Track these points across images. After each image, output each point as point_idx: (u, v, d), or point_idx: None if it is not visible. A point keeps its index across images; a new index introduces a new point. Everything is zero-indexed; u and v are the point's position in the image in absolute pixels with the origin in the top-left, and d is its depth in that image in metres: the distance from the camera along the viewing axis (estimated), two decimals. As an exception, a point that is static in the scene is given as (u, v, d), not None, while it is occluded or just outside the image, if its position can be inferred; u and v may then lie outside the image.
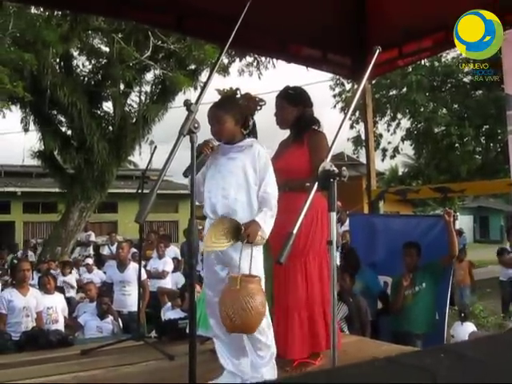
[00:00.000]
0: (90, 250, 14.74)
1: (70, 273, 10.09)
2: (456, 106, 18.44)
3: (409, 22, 5.33)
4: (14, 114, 14.01)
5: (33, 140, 14.96)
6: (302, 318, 3.61)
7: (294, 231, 2.10)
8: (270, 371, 3.19)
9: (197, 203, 2.52)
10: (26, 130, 14.61)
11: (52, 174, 16.03)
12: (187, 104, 2.27)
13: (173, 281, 9.16)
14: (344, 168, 2.16)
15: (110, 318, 6.85)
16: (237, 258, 3.04)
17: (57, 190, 16.52)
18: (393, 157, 19.73)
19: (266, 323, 3.17)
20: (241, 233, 3.00)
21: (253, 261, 3.01)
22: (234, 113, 3.23)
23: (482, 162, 18.21)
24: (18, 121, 14.51)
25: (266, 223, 3.06)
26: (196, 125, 2.25)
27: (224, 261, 3.16)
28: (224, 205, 3.13)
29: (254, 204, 3.13)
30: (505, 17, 4.46)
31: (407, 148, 20.26)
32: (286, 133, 3.99)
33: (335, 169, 2.17)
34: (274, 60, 13.88)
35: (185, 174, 2.92)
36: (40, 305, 6.17)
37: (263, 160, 3.18)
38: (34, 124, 14.53)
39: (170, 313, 7.01)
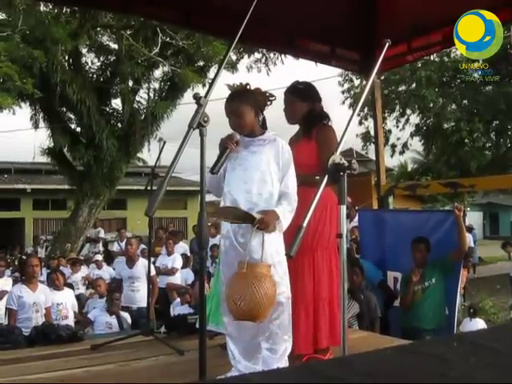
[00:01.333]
0: (100, 247, 14.80)
1: (80, 269, 10.13)
2: (466, 101, 18.35)
3: (418, 17, 5.30)
4: (24, 111, 14.12)
5: (42, 137, 15.08)
6: (308, 313, 3.60)
7: (304, 224, 2.09)
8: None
9: (206, 199, 2.51)
10: (35, 127, 14.71)
11: (61, 171, 16.13)
12: (196, 97, 2.27)
13: (182, 277, 9.18)
14: (354, 161, 2.15)
15: (120, 313, 6.88)
16: (264, 255, 2.99)
17: (66, 186, 16.62)
18: (402, 153, 19.69)
19: (288, 319, 3.16)
20: (249, 216, 2.95)
21: (271, 249, 3.01)
22: (253, 104, 3.18)
23: (492, 157, 18.12)
24: (28, 118, 14.62)
25: (285, 217, 3.01)
26: (206, 118, 2.25)
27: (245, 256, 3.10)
28: (246, 199, 3.06)
29: (276, 199, 3.08)
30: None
31: (416, 144, 20.23)
32: (295, 129, 3.98)
33: (345, 162, 2.16)
34: (283, 56, 13.89)
35: (212, 171, 2.91)
36: (49, 301, 6.22)
37: (286, 155, 3.14)
38: (43, 121, 14.64)
39: (179, 308, 7.05)
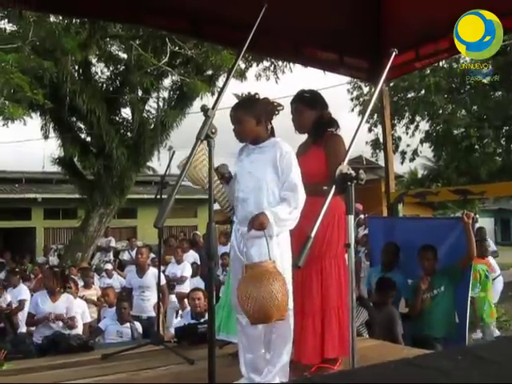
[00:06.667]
0: (111, 256, 14.81)
1: (92, 278, 10.14)
2: (475, 107, 18.27)
3: (425, 24, 5.30)
4: (35, 121, 14.18)
5: (53, 147, 15.19)
6: (316, 323, 3.59)
7: (312, 235, 2.09)
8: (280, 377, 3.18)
9: (214, 208, 2.53)
10: (46, 136, 14.77)
11: (72, 181, 16.18)
12: (204, 109, 2.28)
13: (192, 285, 9.17)
14: (361, 171, 2.15)
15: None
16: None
17: (77, 196, 16.65)
18: (412, 159, 19.61)
19: (289, 330, 3.16)
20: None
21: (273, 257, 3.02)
22: (256, 113, 3.19)
23: (503, 163, 18.00)
24: (39, 128, 14.69)
25: (279, 220, 3.00)
26: (213, 130, 2.26)
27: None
28: (243, 208, 3.13)
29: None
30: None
31: (426, 150, 20.14)
32: (303, 137, 3.98)
33: (352, 172, 2.16)
34: (291, 64, 13.90)
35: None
36: (72, 310, 6.24)
37: (286, 159, 3.13)
38: (53, 131, 14.69)
39: (189, 317, 7.02)
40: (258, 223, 2.95)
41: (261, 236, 3.00)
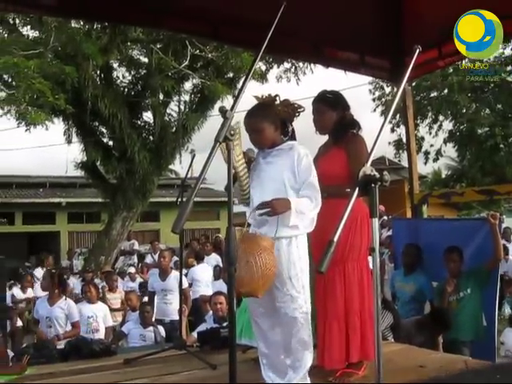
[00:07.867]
0: (134, 259, 14.86)
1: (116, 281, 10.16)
2: (499, 105, 18.04)
3: (448, 21, 5.20)
4: (57, 126, 14.32)
5: (76, 151, 15.29)
6: (340, 328, 3.52)
7: (335, 239, 2.03)
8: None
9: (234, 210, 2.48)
10: (68, 141, 14.93)
11: (95, 185, 16.33)
12: (222, 111, 2.24)
13: (215, 289, 9.13)
14: (385, 172, 2.08)
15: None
16: (280, 268, 3.01)
17: (100, 199, 16.79)
18: (436, 160, 19.45)
19: (307, 334, 3.11)
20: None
21: (288, 262, 3.02)
22: (272, 119, 3.15)
23: (529, 162, 17.76)
24: (61, 133, 14.84)
25: (300, 211, 2.99)
26: (232, 132, 2.22)
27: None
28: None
29: None
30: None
31: (450, 150, 19.96)
32: (324, 138, 3.92)
33: (376, 173, 2.09)
34: (312, 65, 13.85)
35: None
36: (75, 315, 6.28)
37: (304, 163, 3.10)
38: (76, 136, 14.84)
39: (212, 321, 6.99)
40: (281, 205, 2.94)
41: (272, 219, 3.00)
